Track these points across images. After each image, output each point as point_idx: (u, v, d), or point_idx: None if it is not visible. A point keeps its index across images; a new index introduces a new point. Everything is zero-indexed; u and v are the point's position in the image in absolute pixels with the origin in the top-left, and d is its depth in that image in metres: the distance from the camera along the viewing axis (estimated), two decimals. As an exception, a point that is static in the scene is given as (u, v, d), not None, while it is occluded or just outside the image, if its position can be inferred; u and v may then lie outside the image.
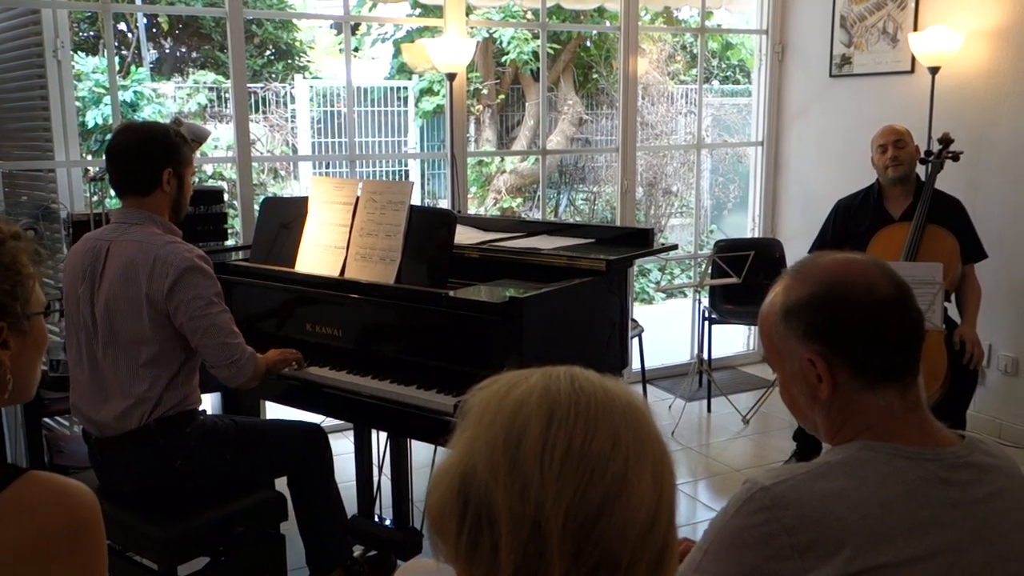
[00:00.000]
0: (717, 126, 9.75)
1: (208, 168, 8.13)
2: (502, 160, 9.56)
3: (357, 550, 2.91)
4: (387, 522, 2.98)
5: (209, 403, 3.26)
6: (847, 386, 1.17)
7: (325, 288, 2.68)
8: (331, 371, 2.56)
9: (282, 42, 10.02)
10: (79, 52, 8.24)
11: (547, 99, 5.65)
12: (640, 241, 2.99)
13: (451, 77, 4.09)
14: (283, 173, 9.22)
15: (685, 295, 7.04)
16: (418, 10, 7.60)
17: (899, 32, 4.42)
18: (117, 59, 8.13)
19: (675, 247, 3.57)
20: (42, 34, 3.66)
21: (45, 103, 3.69)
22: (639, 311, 6.04)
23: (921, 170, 3.58)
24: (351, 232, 2.70)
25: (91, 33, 9.03)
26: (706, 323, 4.68)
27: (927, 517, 1.10)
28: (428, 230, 2.59)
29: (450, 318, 2.40)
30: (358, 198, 2.72)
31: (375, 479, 3.04)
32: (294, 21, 10.00)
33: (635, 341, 4.28)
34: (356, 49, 9.93)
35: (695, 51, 8.76)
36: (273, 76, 9.84)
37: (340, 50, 9.56)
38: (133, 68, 8.51)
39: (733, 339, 5.44)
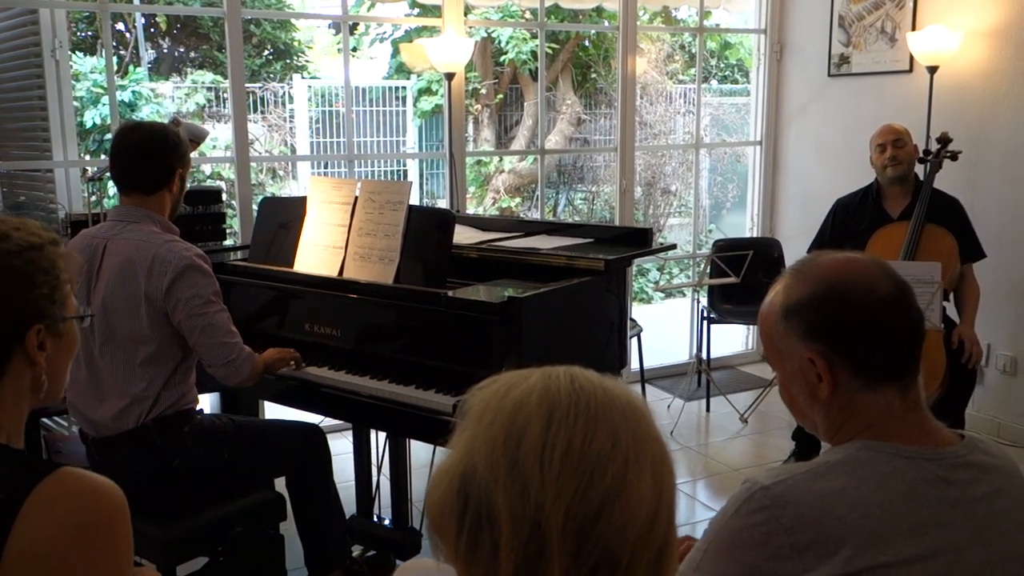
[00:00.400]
0: (716, 126, 9.75)
1: (206, 168, 8.12)
2: (500, 160, 9.56)
3: (356, 550, 2.91)
4: (386, 522, 2.98)
5: (207, 403, 3.25)
6: (847, 386, 1.17)
7: (324, 288, 2.68)
8: (330, 371, 2.56)
9: (280, 42, 10.02)
10: (77, 52, 8.24)
11: (545, 99, 5.66)
12: (639, 241, 2.99)
13: (449, 77, 4.09)
14: (281, 173, 9.22)
15: (684, 295, 7.04)
16: (416, 10, 7.60)
17: (897, 31, 4.42)
18: (115, 59, 8.12)
19: (674, 247, 3.57)
20: (40, 34, 3.66)
21: (43, 103, 3.69)
22: (638, 311, 6.04)
23: (920, 169, 3.58)
24: (350, 232, 2.70)
25: (89, 33, 9.03)
26: (705, 323, 4.68)
27: (927, 517, 1.10)
28: (427, 230, 2.59)
29: (449, 318, 2.40)
30: (356, 198, 2.72)
31: (374, 479, 3.03)
32: (292, 21, 10.00)
33: (634, 341, 4.28)
34: (354, 49, 9.93)
35: (693, 51, 8.76)
36: (271, 76, 9.84)
37: (338, 50, 9.57)
38: (131, 68, 8.50)
39: (732, 339, 5.44)
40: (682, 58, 9.99)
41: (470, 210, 5.56)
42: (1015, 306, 4.01)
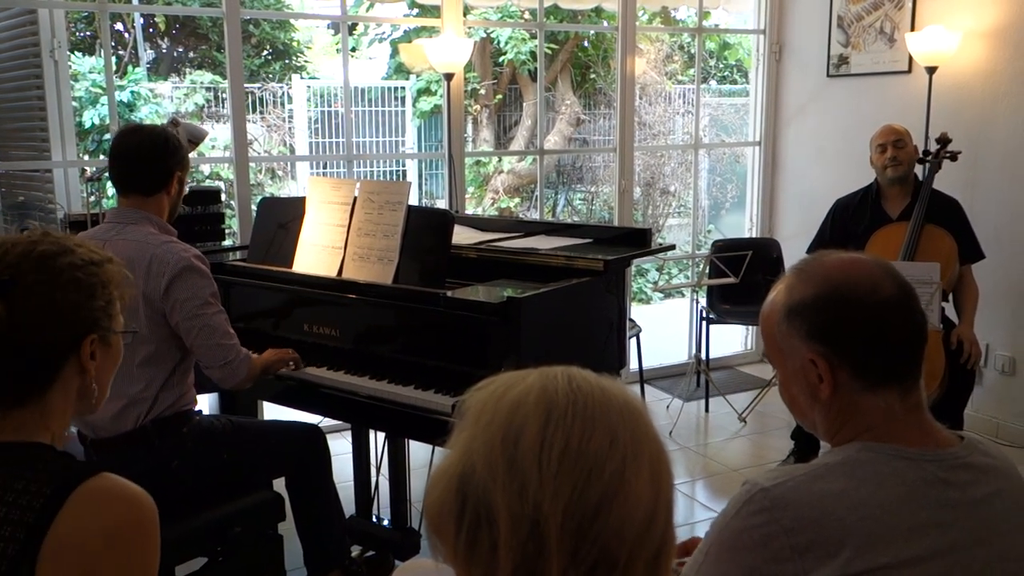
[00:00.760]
0: (715, 126, 9.75)
1: (205, 168, 8.12)
2: (500, 160, 9.56)
3: (355, 550, 2.91)
4: (385, 522, 2.98)
5: (206, 403, 3.25)
6: (848, 387, 1.17)
7: (323, 288, 2.67)
8: (329, 371, 2.56)
9: (279, 42, 10.02)
10: (76, 52, 8.24)
11: (544, 99, 5.66)
12: (638, 241, 2.99)
13: (448, 77, 4.09)
14: (280, 173, 9.22)
15: (683, 295, 7.04)
16: (415, 10, 7.60)
17: (896, 32, 4.42)
18: (114, 59, 8.13)
19: (673, 247, 3.58)
20: (39, 34, 3.66)
21: (42, 103, 3.69)
22: (637, 311, 6.05)
23: (919, 170, 3.58)
24: (349, 232, 2.70)
25: (88, 33, 9.03)
26: (704, 323, 4.68)
27: (926, 518, 1.10)
28: (426, 230, 2.59)
29: (448, 318, 2.40)
30: (356, 198, 2.72)
31: (373, 479, 3.03)
32: (291, 21, 10.00)
33: (633, 341, 4.28)
34: (353, 49, 9.93)
35: (693, 51, 8.77)
36: (270, 76, 9.84)
37: (337, 50, 9.57)
38: (130, 68, 8.50)
39: (731, 339, 5.44)
40: (681, 58, 9.99)
41: (469, 210, 5.56)
42: (1014, 306, 4.01)
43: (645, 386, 4.74)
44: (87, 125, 7.62)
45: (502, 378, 0.84)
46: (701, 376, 4.67)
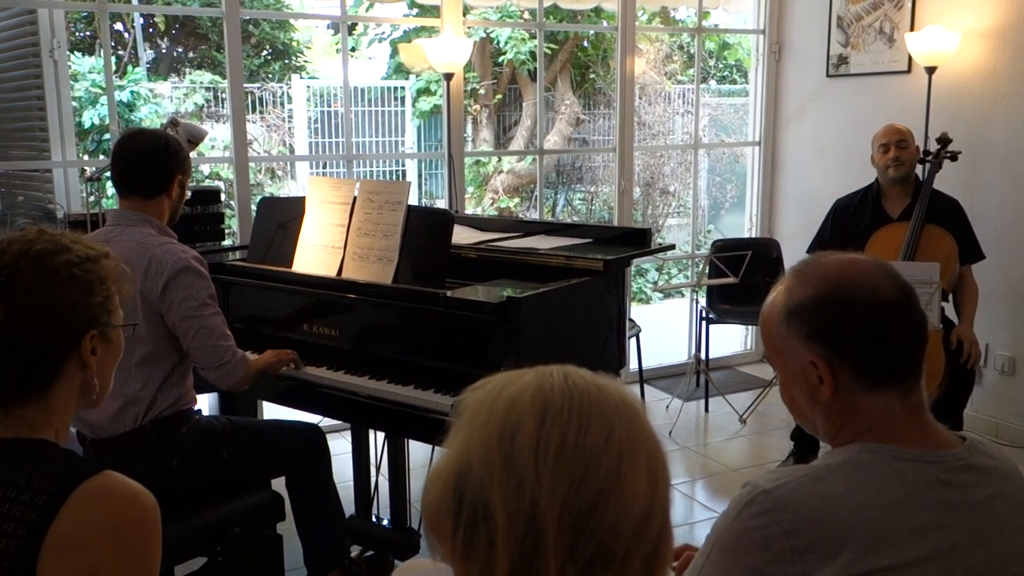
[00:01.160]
0: (714, 126, 9.75)
1: (205, 168, 8.12)
2: (499, 160, 9.56)
3: (355, 550, 2.91)
4: (385, 522, 2.98)
5: (206, 403, 3.25)
6: (848, 388, 1.16)
7: (322, 288, 2.67)
8: (328, 371, 2.56)
9: (279, 42, 10.02)
10: (75, 52, 8.24)
11: (544, 99, 5.66)
12: (637, 241, 2.99)
13: (448, 77, 4.09)
14: (280, 173, 9.22)
15: (682, 295, 7.04)
16: (415, 10, 7.60)
17: (896, 32, 4.42)
18: (114, 59, 8.13)
19: (672, 247, 3.58)
20: (38, 34, 3.66)
21: (41, 103, 3.69)
22: (636, 311, 6.05)
23: (919, 170, 3.58)
24: (348, 232, 2.70)
25: (87, 33, 9.03)
26: (703, 323, 4.68)
27: (927, 519, 1.09)
28: (425, 230, 2.59)
29: (447, 318, 2.40)
30: (355, 198, 2.72)
31: (373, 479, 3.03)
32: (291, 21, 10.00)
33: (632, 341, 4.28)
34: (353, 49, 9.93)
35: (692, 51, 8.77)
36: (270, 76, 9.84)
37: (337, 50, 9.57)
38: (130, 68, 8.50)
39: (730, 339, 5.45)
40: (681, 58, 9.99)
41: (469, 210, 5.55)
42: (1013, 306, 4.01)
43: (645, 386, 4.74)
44: (87, 125, 7.62)
45: (498, 377, 0.85)
46: (701, 376, 4.67)
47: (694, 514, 3.48)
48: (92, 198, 3.30)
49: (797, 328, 1.18)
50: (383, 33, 9.88)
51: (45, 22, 3.66)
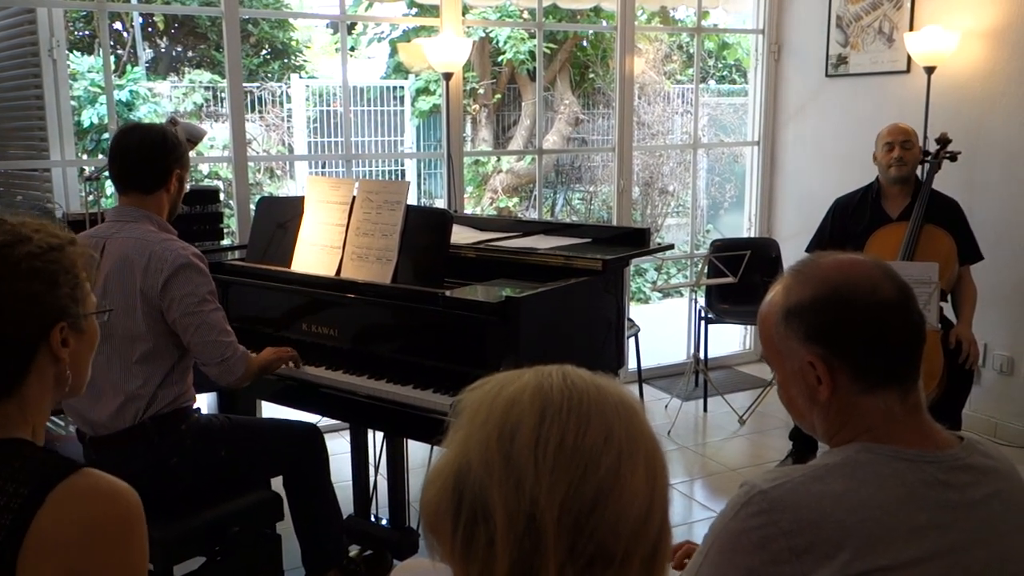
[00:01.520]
0: (713, 126, 9.75)
1: (204, 168, 8.12)
2: (498, 160, 9.56)
3: (353, 550, 2.91)
4: (383, 522, 2.98)
5: (205, 402, 3.25)
6: (847, 389, 1.16)
7: (321, 288, 2.67)
8: (327, 371, 2.56)
9: (278, 41, 10.01)
10: (75, 51, 8.23)
11: (543, 99, 5.65)
12: (636, 241, 2.99)
13: (447, 77, 4.09)
14: (279, 172, 9.22)
15: (681, 295, 7.04)
16: (414, 9, 7.60)
17: (895, 32, 4.42)
18: (113, 58, 8.11)
19: (671, 247, 3.58)
20: (37, 33, 3.65)
21: (41, 102, 3.69)
22: (635, 311, 6.05)
23: (919, 170, 3.58)
24: (347, 232, 2.70)
25: (87, 32, 9.02)
26: (702, 322, 4.68)
27: (926, 520, 1.09)
28: (424, 230, 2.59)
29: (446, 318, 2.40)
30: (354, 198, 2.72)
31: (371, 479, 3.03)
32: (290, 20, 10.00)
33: (631, 341, 4.28)
34: (352, 48, 9.92)
35: (691, 51, 8.77)
36: (269, 75, 9.84)
37: (336, 49, 9.56)
38: (129, 67, 8.49)
39: (729, 338, 5.45)
40: (680, 58, 9.99)
41: (468, 210, 5.55)
42: (1012, 306, 4.01)
43: (644, 386, 4.74)
44: (86, 124, 7.62)
45: (497, 377, 0.85)
46: (699, 376, 4.67)
47: (693, 514, 3.48)
48: (91, 197, 3.30)
49: (796, 328, 1.18)
50: (382, 33, 9.87)
51: (44, 21, 3.65)
